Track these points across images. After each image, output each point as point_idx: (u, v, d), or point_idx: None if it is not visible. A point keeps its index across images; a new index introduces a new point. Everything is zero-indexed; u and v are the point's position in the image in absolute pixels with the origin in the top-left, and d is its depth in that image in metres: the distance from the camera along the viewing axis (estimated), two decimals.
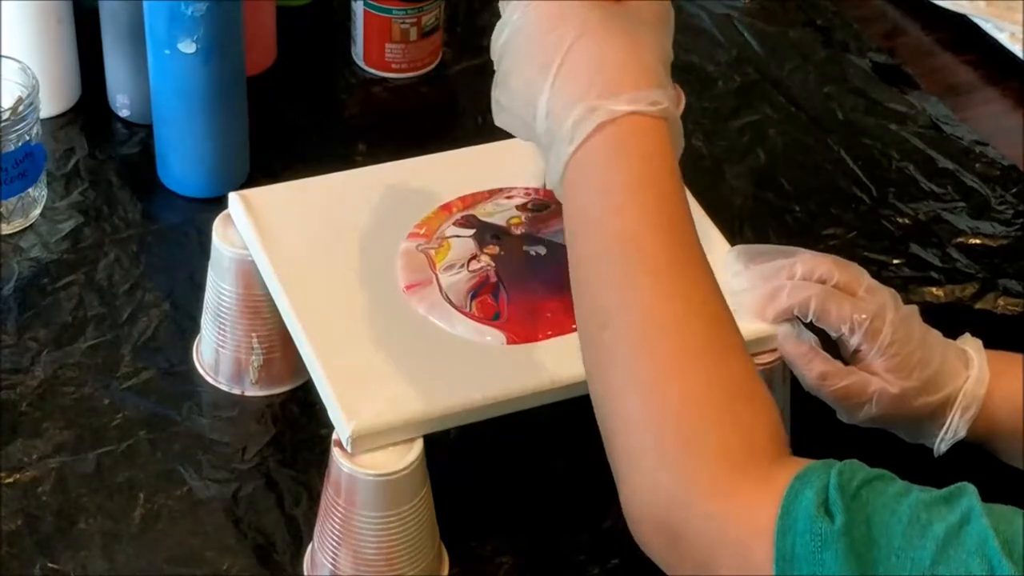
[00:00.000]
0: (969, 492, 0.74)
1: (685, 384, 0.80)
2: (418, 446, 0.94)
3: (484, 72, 1.33)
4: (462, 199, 1.08)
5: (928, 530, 0.72)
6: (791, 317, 0.99)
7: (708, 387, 0.80)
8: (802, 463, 0.78)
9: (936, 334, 1.00)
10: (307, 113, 1.34)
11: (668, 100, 0.84)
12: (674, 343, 0.81)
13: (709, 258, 1.04)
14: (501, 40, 0.88)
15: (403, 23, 1.36)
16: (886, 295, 0.99)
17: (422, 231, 1.06)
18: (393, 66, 1.38)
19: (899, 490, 0.75)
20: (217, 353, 1.10)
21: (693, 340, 0.81)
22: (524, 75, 0.86)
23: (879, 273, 1.01)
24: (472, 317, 1.00)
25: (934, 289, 1.23)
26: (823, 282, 0.99)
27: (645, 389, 0.80)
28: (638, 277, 0.82)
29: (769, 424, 0.80)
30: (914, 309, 1.00)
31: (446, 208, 1.08)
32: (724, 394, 0.80)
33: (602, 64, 0.84)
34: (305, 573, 1.00)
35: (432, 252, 1.04)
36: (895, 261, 1.25)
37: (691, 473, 0.78)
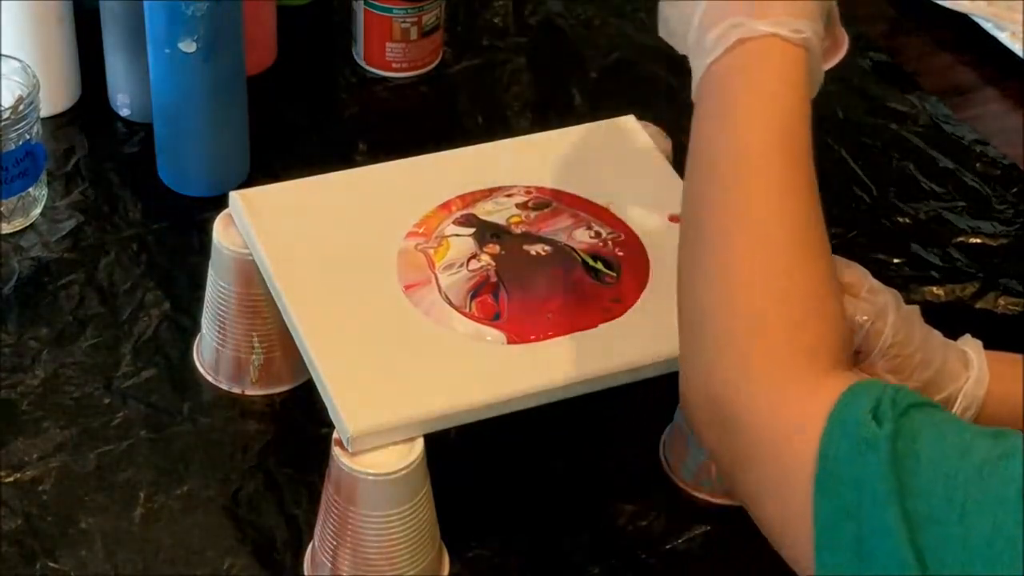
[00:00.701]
0: (1017, 435, 0.74)
1: (766, 279, 0.82)
2: (418, 446, 0.94)
3: (484, 72, 1.34)
4: (461, 198, 1.08)
5: (969, 453, 0.72)
6: None
7: (787, 285, 0.82)
8: (861, 377, 0.80)
9: (937, 335, 1.00)
10: (307, 113, 1.34)
11: (813, 34, 0.87)
12: (762, 240, 0.83)
13: None
14: None
15: (404, 22, 1.36)
16: (888, 296, 0.99)
17: (421, 230, 1.06)
18: (393, 65, 1.38)
19: (948, 417, 0.77)
20: (217, 353, 1.10)
21: (782, 241, 0.83)
22: None
23: (880, 273, 1.00)
24: (472, 317, 1.00)
25: (934, 288, 1.23)
26: None
27: (727, 279, 0.82)
28: (747, 180, 0.84)
29: (837, 334, 0.82)
30: (915, 310, 1.00)
31: (445, 207, 1.08)
32: (801, 295, 0.82)
33: None
34: (305, 573, 1.00)
35: (431, 251, 1.04)
36: (895, 261, 1.25)
37: (754, 362, 0.80)
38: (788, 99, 0.86)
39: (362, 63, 1.39)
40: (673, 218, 1.08)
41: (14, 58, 1.20)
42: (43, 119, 1.23)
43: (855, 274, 1.00)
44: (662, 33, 0.94)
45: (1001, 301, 1.23)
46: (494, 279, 1.03)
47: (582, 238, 1.06)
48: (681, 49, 0.92)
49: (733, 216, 0.84)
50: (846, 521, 0.73)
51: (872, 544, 0.72)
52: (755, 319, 0.81)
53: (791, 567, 0.78)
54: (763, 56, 0.86)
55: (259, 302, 1.07)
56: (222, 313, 1.08)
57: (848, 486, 0.73)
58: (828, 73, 1.47)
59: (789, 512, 0.76)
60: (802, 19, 0.87)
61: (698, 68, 0.88)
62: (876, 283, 1.00)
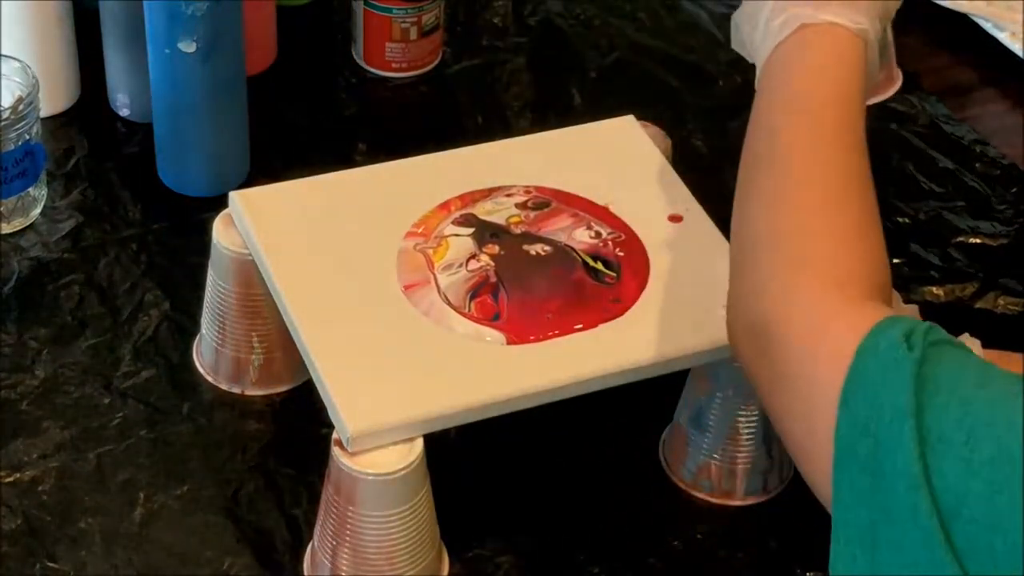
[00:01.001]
0: None
1: (814, 214, 0.88)
2: (418, 446, 0.94)
3: (484, 72, 1.34)
4: (460, 197, 1.08)
5: (987, 386, 0.75)
6: None
7: (833, 221, 0.88)
8: (899, 311, 0.85)
9: None
10: (307, 113, 1.34)
11: (871, 28, 0.96)
12: (811, 178, 0.90)
13: (709, 257, 1.05)
14: None
15: (403, 22, 1.36)
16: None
17: (420, 230, 1.06)
18: (393, 65, 1.38)
19: (976, 358, 0.79)
20: (217, 353, 1.10)
21: (831, 181, 0.90)
22: None
23: None
24: (471, 318, 1.00)
25: (934, 288, 1.23)
26: None
27: (778, 211, 0.89)
28: (802, 139, 0.92)
29: (878, 271, 0.87)
30: (915, 309, 1.00)
31: (444, 207, 1.08)
32: (844, 231, 0.87)
33: None
34: (305, 573, 1.00)
35: (430, 251, 1.04)
36: (895, 260, 1.25)
37: (800, 284, 0.85)
38: (843, 73, 0.94)
39: (362, 63, 1.39)
40: (673, 218, 1.08)
41: (14, 58, 1.20)
42: (43, 119, 1.23)
43: None
44: (734, 44, 1.02)
45: (1001, 301, 1.23)
46: (494, 279, 1.03)
47: (582, 238, 1.06)
48: (751, 54, 1.00)
49: (784, 168, 0.91)
50: (863, 437, 0.75)
51: (883, 458, 0.74)
52: (801, 249, 0.87)
53: (812, 487, 0.82)
54: (822, 37, 0.95)
55: (259, 302, 1.07)
56: (222, 313, 1.08)
57: (870, 403, 0.76)
58: None
59: (814, 431, 0.79)
60: (860, 15, 0.95)
61: (762, 56, 0.97)
62: None
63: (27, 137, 1.19)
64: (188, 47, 1.17)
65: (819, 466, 0.79)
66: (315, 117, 1.34)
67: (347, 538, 0.95)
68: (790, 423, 0.83)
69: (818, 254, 0.87)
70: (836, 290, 0.84)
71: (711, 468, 1.06)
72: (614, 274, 1.04)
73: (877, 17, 0.98)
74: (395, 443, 0.94)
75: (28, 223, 1.22)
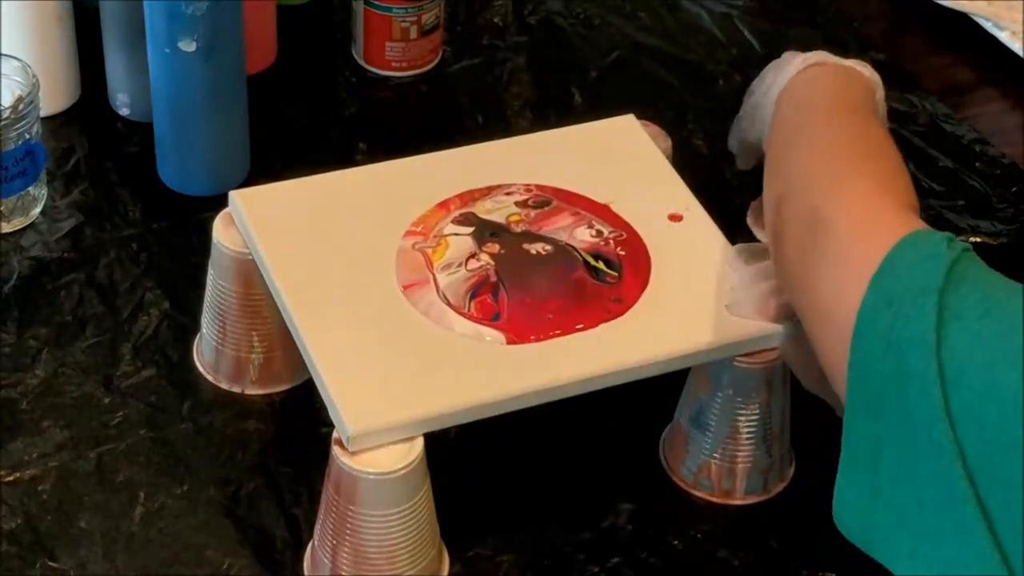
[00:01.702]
0: None
1: (845, 150, 0.96)
2: (418, 445, 0.94)
3: (484, 71, 1.34)
4: (460, 196, 1.08)
5: (1009, 287, 0.79)
6: (792, 315, 0.99)
7: (879, 164, 0.95)
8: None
9: None
10: (307, 112, 1.34)
11: (879, 88, 1.06)
12: (835, 145, 0.97)
13: (708, 257, 1.05)
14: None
15: (403, 22, 1.36)
16: None
17: (419, 229, 1.06)
18: (393, 65, 1.38)
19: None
20: (217, 352, 1.10)
21: (875, 146, 0.97)
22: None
23: None
24: (471, 318, 1.00)
25: None
26: None
27: (812, 155, 0.97)
28: (836, 122, 1.00)
29: (908, 188, 0.93)
30: None
31: (444, 206, 1.08)
32: (881, 160, 0.95)
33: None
34: (305, 572, 1.00)
35: (429, 251, 1.04)
36: None
37: (856, 184, 0.91)
38: (858, 93, 1.03)
39: (362, 62, 1.39)
40: (672, 217, 1.08)
41: (14, 58, 1.20)
42: (43, 119, 1.23)
43: None
44: (731, 144, 1.15)
45: None
46: (493, 279, 1.03)
47: (583, 237, 1.06)
48: (758, 136, 1.10)
49: (823, 127, 1.00)
50: (886, 309, 0.80)
51: (900, 329, 0.78)
52: (842, 171, 0.93)
53: (826, 366, 0.86)
54: (837, 71, 1.05)
55: (259, 302, 1.07)
56: (222, 313, 1.08)
57: (900, 281, 0.80)
58: None
59: (844, 290, 0.83)
60: (873, 74, 1.06)
61: (774, 94, 1.07)
62: None
63: (27, 136, 1.19)
64: (188, 47, 1.17)
65: (837, 337, 0.82)
66: (315, 117, 1.34)
67: (347, 537, 0.95)
68: (819, 298, 0.87)
69: (867, 172, 0.93)
70: (890, 196, 0.90)
71: (711, 468, 1.06)
72: (615, 273, 1.04)
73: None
74: (395, 442, 0.94)
75: (28, 222, 1.22)
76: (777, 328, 1.00)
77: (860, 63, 1.06)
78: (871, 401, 0.79)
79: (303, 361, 1.00)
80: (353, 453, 0.93)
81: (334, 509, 0.95)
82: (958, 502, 0.74)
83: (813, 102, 1.03)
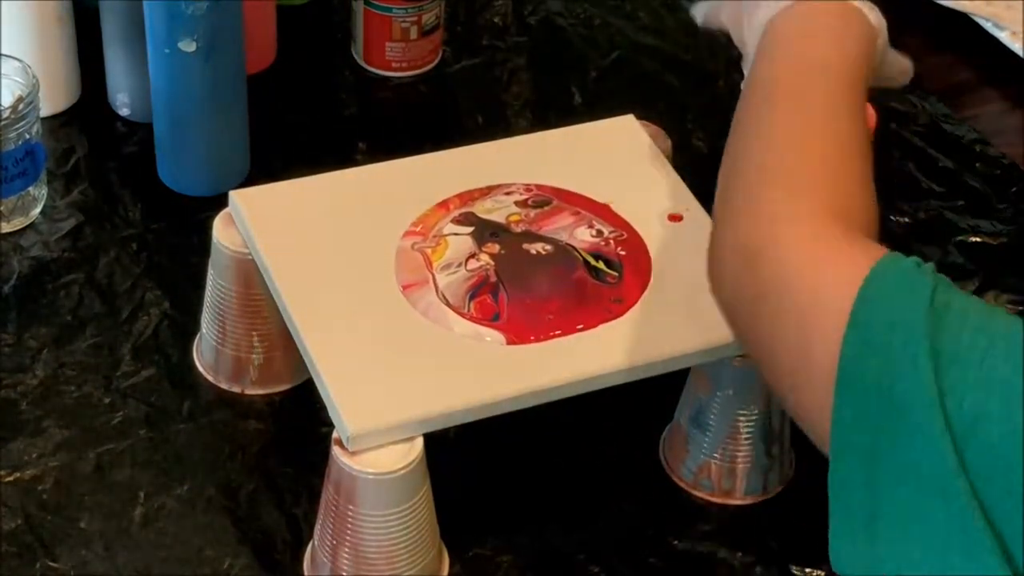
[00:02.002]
0: None
1: (817, 154, 0.88)
2: (418, 445, 0.94)
3: (484, 71, 1.34)
4: (460, 196, 1.08)
5: (994, 315, 0.74)
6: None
7: (837, 163, 0.87)
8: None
9: None
10: (307, 112, 1.34)
11: (882, 32, 0.98)
12: (810, 124, 0.90)
13: None
14: None
15: (403, 22, 1.36)
16: None
17: (418, 229, 1.06)
18: (393, 65, 1.38)
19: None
20: (217, 352, 1.10)
21: (833, 130, 0.90)
22: None
23: None
24: (470, 318, 1.00)
25: None
26: None
27: (777, 149, 0.89)
28: (804, 89, 0.92)
29: (866, 211, 0.86)
30: None
31: (443, 206, 1.08)
32: (850, 176, 0.87)
33: None
34: (305, 572, 1.00)
35: (428, 250, 1.04)
36: None
37: (801, 212, 0.84)
38: (850, 41, 0.95)
39: (362, 63, 1.39)
40: (672, 217, 1.08)
41: (14, 58, 1.20)
42: (43, 119, 1.23)
43: None
44: (700, 17, 1.05)
45: (1001, 300, 1.23)
46: (493, 279, 1.03)
47: (583, 236, 1.06)
48: (731, 27, 1.01)
49: (784, 104, 0.91)
50: (873, 356, 0.75)
51: (895, 378, 0.74)
52: (801, 181, 0.86)
53: (798, 415, 0.80)
54: (837, 12, 0.95)
55: (259, 302, 1.07)
56: (222, 313, 1.08)
57: (883, 322, 0.75)
58: None
59: (810, 353, 0.78)
60: (879, 18, 0.98)
61: (757, 26, 0.96)
62: None
63: (27, 137, 1.19)
64: (188, 47, 1.17)
65: (814, 385, 0.77)
66: (315, 117, 1.34)
67: (347, 538, 0.95)
68: (779, 347, 0.81)
69: (819, 186, 0.85)
70: (839, 221, 0.83)
71: (711, 468, 1.06)
72: (616, 273, 1.04)
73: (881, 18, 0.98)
74: (395, 443, 0.94)
75: (28, 223, 1.22)
76: None
77: (867, 4, 0.98)
78: (863, 453, 0.75)
79: (303, 361, 1.00)
80: (353, 453, 0.93)
81: (334, 509, 0.95)
82: (980, 553, 0.71)
83: (797, 57, 0.94)
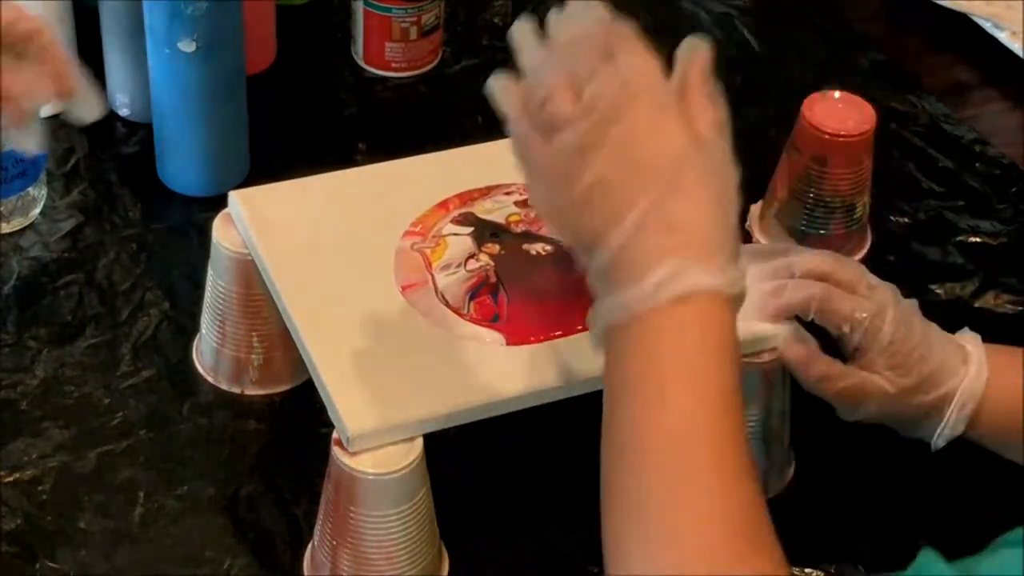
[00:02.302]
0: None
1: (684, 484, 0.78)
2: (418, 445, 0.94)
3: (484, 72, 1.34)
4: (459, 196, 1.08)
5: None
6: (792, 316, 0.99)
7: (709, 486, 0.78)
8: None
9: (936, 329, 1.00)
10: (307, 113, 1.34)
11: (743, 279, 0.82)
12: (689, 462, 0.79)
13: None
14: (601, 99, 0.82)
15: (403, 22, 1.36)
16: (887, 292, 0.99)
17: (418, 229, 1.06)
18: (393, 65, 1.38)
19: None
20: (217, 352, 1.10)
21: (705, 450, 0.79)
22: (612, 191, 0.81)
23: (879, 272, 1.01)
24: (470, 319, 1.00)
25: (934, 287, 1.23)
26: (824, 279, 0.99)
27: (648, 482, 0.79)
28: (682, 428, 0.79)
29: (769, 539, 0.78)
30: (914, 304, 1.00)
31: (443, 206, 1.08)
32: (725, 493, 0.78)
33: (698, 227, 0.80)
34: (305, 573, 1.00)
35: (428, 251, 1.04)
36: (895, 259, 1.25)
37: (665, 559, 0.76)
38: (723, 364, 0.80)
39: (362, 63, 1.39)
40: None
41: None
42: (43, 119, 1.23)
43: (854, 270, 1.00)
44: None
45: (1000, 300, 1.23)
46: (493, 279, 1.03)
47: None
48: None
49: (657, 447, 0.79)
50: None
51: None
52: (670, 525, 0.77)
53: None
54: (702, 315, 0.80)
55: (259, 302, 1.07)
56: (222, 313, 1.08)
57: None
58: (828, 73, 1.48)
59: None
60: (734, 266, 0.81)
61: (623, 306, 0.80)
62: (874, 279, 1.00)
63: None
64: (188, 47, 1.17)
65: None
66: (315, 117, 1.34)
67: (347, 538, 0.95)
68: None
69: (686, 528, 0.77)
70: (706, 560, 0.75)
71: None
72: None
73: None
74: (395, 443, 0.94)
75: (28, 223, 1.22)
76: (777, 328, 1.00)
77: (730, 269, 0.80)
78: None
79: (303, 361, 1.00)
80: (353, 453, 0.93)
81: (334, 509, 0.95)
82: None
83: (667, 413, 0.79)
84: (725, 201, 0.83)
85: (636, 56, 0.84)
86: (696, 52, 0.85)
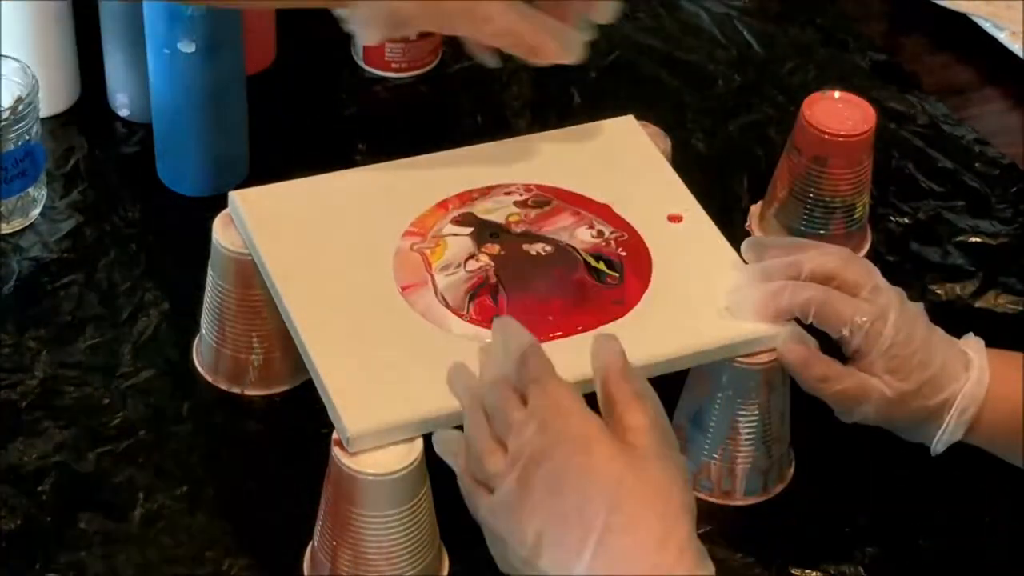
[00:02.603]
0: None
1: None
2: (418, 446, 0.94)
3: (483, 72, 1.34)
4: (459, 196, 1.08)
5: None
6: (791, 317, 0.99)
7: None
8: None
9: (940, 333, 1.00)
10: (307, 113, 1.34)
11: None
12: None
13: (708, 258, 1.05)
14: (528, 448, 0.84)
15: None
16: (891, 295, 0.99)
17: (417, 229, 1.06)
18: (393, 65, 1.38)
19: None
20: (217, 353, 1.10)
21: None
22: (555, 543, 0.82)
23: (880, 272, 1.01)
24: (470, 320, 1.00)
25: (934, 287, 1.23)
26: (829, 280, 0.99)
27: None
28: None
29: None
30: (920, 307, 1.00)
31: (442, 206, 1.07)
32: None
33: (644, 556, 0.81)
34: (305, 573, 1.00)
35: (427, 251, 1.04)
36: (895, 260, 1.25)
37: None
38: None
39: (361, 63, 1.39)
40: (672, 218, 1.08)
41: (13, 58, 1.20)
42: (42, 119, 1.23)
43: (860, 271, 1.00)
44: (502, 565, 0.88)
45: (1000, 300, 1.23)
46: (493, 280, 1.03)
47: (584, 237, 1.06)
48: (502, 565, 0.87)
49: None
50: None
51: None
52: None
53: None
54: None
55: (258, 302, 1.07)
56: (222, 313, 1.08)
57: None
58: (828, 73, 1.47)
59: None
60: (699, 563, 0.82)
61: None
62: (881, 281, 1.00)
63: (27, 137, 1.19)
64: (188, 47, 1.17)
65: None
66: (315, 117, 1.34)
67: (347, 538, 0.95)
68: None
69: None
70: None
71: (711, 468, 1.06)
72: (616, 275, 1.03)
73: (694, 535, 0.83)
74: (395, 443, 0.94)
75: (28, 223, 1.22)
76: (777, 329, 1.00)
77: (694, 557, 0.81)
78: None
79: (303, 361, 1.00)
80: (353, 454, 0.93)
81: (334, 510, 0.95)
82: None
83: None
84: (671, 513, 0.82)
85: (547, 396, 0.86)
86: (608, 352, 0.87)
